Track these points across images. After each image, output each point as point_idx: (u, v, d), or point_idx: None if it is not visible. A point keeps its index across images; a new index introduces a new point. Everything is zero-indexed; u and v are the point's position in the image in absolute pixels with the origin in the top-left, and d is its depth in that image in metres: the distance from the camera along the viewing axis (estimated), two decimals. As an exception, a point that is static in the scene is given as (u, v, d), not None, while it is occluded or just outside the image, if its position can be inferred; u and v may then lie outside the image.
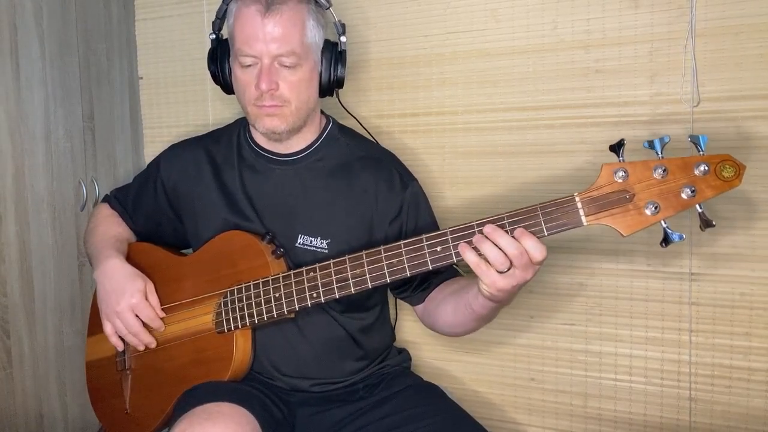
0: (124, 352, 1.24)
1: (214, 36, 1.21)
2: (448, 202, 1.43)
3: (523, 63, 1.34)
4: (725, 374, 1.25)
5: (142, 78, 1.72)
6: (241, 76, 1.12)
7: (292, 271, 1.08)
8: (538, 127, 1.34)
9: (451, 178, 1.43)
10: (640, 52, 1.25)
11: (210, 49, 1.21)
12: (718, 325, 1.24)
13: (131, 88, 1.69)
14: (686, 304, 1.26)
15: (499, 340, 1.43)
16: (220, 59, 1.20)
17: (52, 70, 1.47)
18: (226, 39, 1.19)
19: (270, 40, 1.07)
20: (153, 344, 1.18)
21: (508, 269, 0.91)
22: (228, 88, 1.21)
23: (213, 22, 1.20)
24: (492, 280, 0.92)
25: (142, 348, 1.19)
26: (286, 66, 1.10)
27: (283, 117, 1.13)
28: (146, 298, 1.17)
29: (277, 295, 1.08)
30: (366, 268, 1.02)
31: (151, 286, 1.18)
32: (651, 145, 0.90)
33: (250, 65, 1.10)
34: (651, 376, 1.30)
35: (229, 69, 1.18)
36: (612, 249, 1.31)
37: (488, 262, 0.91)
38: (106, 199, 1.39)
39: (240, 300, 1.11)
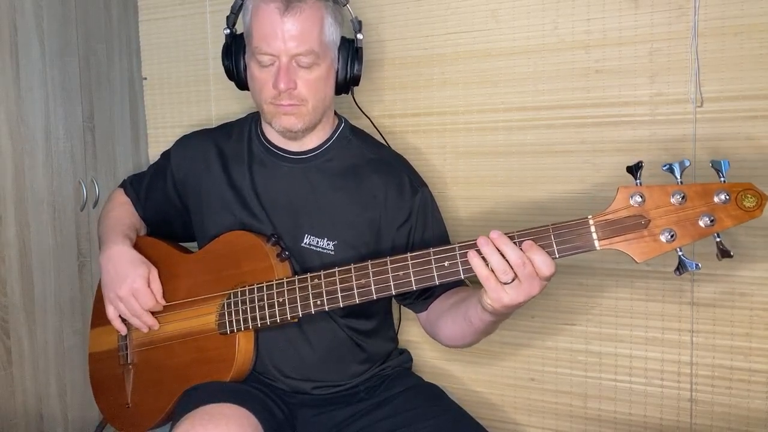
0: (127, 346, 1.25)
1: (228, 31, 1.19)
2: (448, 202, 1.42)
3: (524, 63, 1.34)
4: (726, 375, 1.24)
5: (146, 78, 1.72)
6: (257, 74, 1.11)
7: (296, 277, 1.07)
8: (538, 127, 1.34)
9: (452, 178, 1.43)
10: (640, 52, 1.24)
11: (224, 44, 1.20)
12: (718, 325, 1.24)
13: (131, 88, 1.69)
14: (686, 305, 1.26)
15: (499, 340, 1.42)
16: (234, 55, 1.18)
17: (52, 70, 1.48)
18: (241, 34, 1.17)
19: (288, 39, 1.06)
20: (156, 326, 1.18)
21: (513, 280, 0.90)
22: (242, 84, 1.20)
23: (228, 17, 1.18)
24: (498, 296, 0.90)
25: (145, 330, 1.19)
26: (304, 65, 1.09)
27: (300, 116, 1.12)
28: (149, 286, 1.17)
29: (280, 300, 1.07)
30: (371, 278, 1.00)
31: (154, 273, 1.18)
32: (670, 169, 0.87)
33: (267, 63, 1.09)
34: (651, 377, 1.30)
35: (244, 65, 1.17)
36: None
37: (492, 270, 0.90)
38: (123, 185, 1.39)
39: (243, 302, 1.11)
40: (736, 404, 1.24)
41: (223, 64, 1.21)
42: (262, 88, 1.11)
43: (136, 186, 1.36)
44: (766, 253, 1.20)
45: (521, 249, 0.89)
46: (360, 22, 1.19)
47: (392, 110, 1.47)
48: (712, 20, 1.19)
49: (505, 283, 0.90)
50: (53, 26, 1.48)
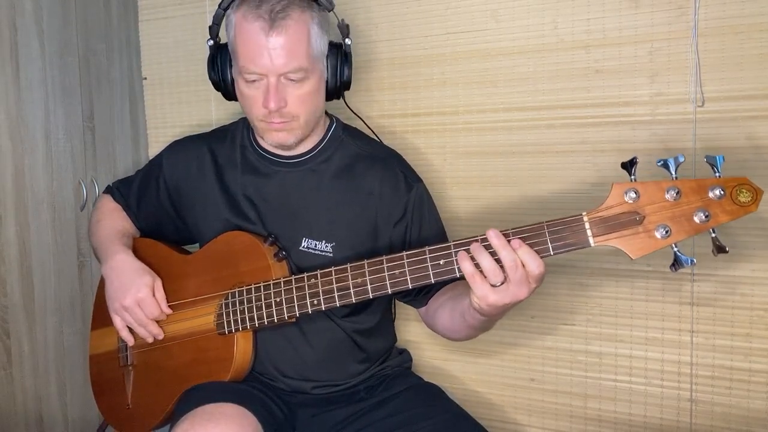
0: (126, 347, 1.25)
1: (212, 42, 1.16)
2: (448, 202, 1.42)
3: (524, 63, 1.34)
4: (726, 375, 1.24)
5: (146, 78, 1.72)
6: (246, 92, 1.09)
7: (293, 277, 1.08)
8: (539, 127, 1.34)
9: (452, 178, 1.43)
10: (640, 52, 1.24)
11: (209, 56, 1.17)
12: (719, 326, 1.24)
13: (131, 88, 1.69)
14: (687, 305, 1.26)
15: (499, 340, 1.42)
16: (221, 67, 1.15)
17: (52, 70, 1.48)
18: (225, 44, 1.15)
19: (276, 57, 1.04)
20: (161, 336, 1.18)
21: (502, 283, 0.90)
22: (230, 95, 1.18)
23: (210, 28, 1.16)
24: (484, 293, 0.90)
25: (150, 339, 1.19)
26: (293, 80, 1.07)
27: (292, 131, 1.11)
28: (153, 294, 1.16)
29: (277, 299, 1.08)
30: (368, 277, 1.01)
31: (158, 283, 1.18)
32: (665, 164, 0.86)
33: (254, 80, 1.07)
34: (651, 377, 1.30)
35: (232, 79, 1.14)
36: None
37: (483, 273, 0.90)
38: (109, 191, 1.36)
39: (241, 302, 1.11)
40: (736, 404, 1.24)
41: (210, 78, 1.18)
42: (251, 106, 1.09)
43: (124, 192, 1.34)
44: (766, 253, 1.20)
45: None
46: (347, 26, 1.17)
47: (392, 110, 1.47)
48: (713, 19, 1.18)
49: (494, 285, 0.90)
50: (53, 26, 1.48)
